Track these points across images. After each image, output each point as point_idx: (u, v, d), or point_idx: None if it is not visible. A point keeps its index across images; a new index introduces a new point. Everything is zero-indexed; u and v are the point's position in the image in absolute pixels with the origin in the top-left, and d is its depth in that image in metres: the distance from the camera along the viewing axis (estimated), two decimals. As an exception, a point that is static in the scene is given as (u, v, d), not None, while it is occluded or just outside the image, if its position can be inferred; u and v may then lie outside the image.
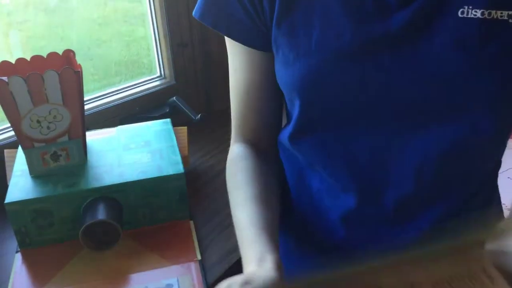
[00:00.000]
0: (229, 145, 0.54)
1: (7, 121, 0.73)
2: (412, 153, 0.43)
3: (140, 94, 0.88)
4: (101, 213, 0.57)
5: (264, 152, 0.53)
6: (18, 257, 0.60)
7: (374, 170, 0.45)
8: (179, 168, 0.63)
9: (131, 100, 0.86)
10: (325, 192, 0.49)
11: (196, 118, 0.80)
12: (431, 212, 0.45)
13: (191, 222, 0.65)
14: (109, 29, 0.94)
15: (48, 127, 0.61)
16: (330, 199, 0.48)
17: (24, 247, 0.61)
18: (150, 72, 0.94)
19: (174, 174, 0.62)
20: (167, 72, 0.92)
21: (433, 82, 0.40)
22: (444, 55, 0.39)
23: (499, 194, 0.54)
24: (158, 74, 0.93)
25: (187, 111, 0.81)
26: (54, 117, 0.60)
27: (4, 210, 0.60)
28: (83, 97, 0.62)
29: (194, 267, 0.57)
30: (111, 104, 0.84)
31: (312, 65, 0.42)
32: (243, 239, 0.45)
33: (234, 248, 0.61)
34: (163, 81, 0.92)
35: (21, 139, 0.60)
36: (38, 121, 0.60)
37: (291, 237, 0.54)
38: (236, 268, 0.59)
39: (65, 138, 0.62)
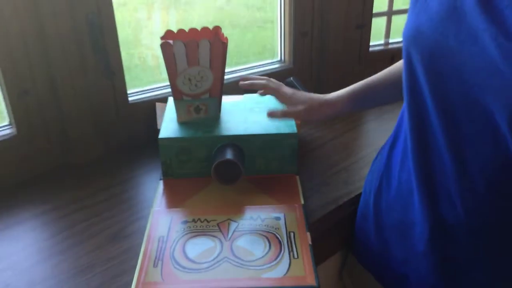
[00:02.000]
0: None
1: (158, 83, 0.92)
2: None
3: (261, 73, 1.02)
4: (229, 155, 0.72)
5: None
6: (161, 184, 0.77)
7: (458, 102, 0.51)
8: (293, 129, 0.76)
9: (254, 77, 1.01)
10: None
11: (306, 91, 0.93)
12: None
13: (297, 177, 0.78)
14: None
15: (195, 85, 0.77)
16: None
17: (167, 176, 0.78)
18: (272, 56, 1.08)
19: (288, 133, 0.75)
20: (286, 57, 1.06)
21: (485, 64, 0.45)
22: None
23: None
24: (279, 58, 1.07)
25: (302, 90, 0.94)
26: (201, 77, 0.77)
27: (154, 148, 0.77)
28: (225, 65, 0.77)
29: (298, 208, 0.70)
30: (238, 78, 0.99)
31: (416, 22, 0.51)
32: None
33: (332, 201, 0.72)
34: (282, 64, 1.06)
35: (174, 92, 0.77)
36: (189, 79, 0.76)
37: None
38: (333, 214, 0.71)
39: (207, 95, 0.78)
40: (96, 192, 0.76)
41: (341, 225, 0.74)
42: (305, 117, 0.73)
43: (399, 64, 0.71)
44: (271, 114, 0.75)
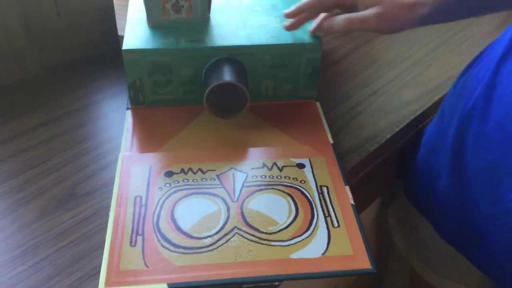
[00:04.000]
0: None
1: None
2: None
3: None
4: (228, 75, 0.52)
5: None
6: (129, 115, 0.56)
7: None
8: (316, 38, 0.55)
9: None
10: None
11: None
12: None
13: (318, 104, 0.59)
14: None
15: (174, -31, 0.54)
16: None
17: (137, 104, 0.56)
18: None
19: (310, 43, 0.55)
20: None
21: None
22: None
23: None
24: None
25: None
26: (182, -43, 0.53)
27: (115, 62, 0.55)
28: None
29: (327, 150, 0.52)
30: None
31: None
32: None
33: (371, 137, 0.54)
34: None
35: (143, -20, 0.54)
36: (164, -40, 0.53)
37: None
38: (373, 157, 0.53)
39: (190, -15, 0.55)
40: (34, 129, 0.55)
41: (384, 166, 0.57)
42: (376, 25, 0.48)
43: None
44: (317, 28, 0.52)
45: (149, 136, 0.53)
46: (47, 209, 0.45)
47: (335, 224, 0.44)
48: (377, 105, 0.59)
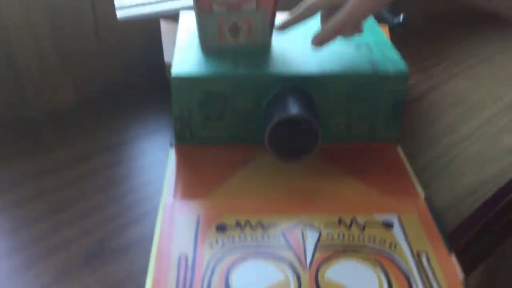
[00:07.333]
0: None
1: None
2: None
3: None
4: (296, 108, 0.43)
5: None
6: (173, 153, 0.48)
7: None
8: (401, 67, 0.47)
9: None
10: None
11: (397, 20, 0.63)
12: None
13: (399, 148, 0.50)
14: None
15: (234, -14, 0.47)
16: None
17: (183, 141, 0.49)
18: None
19: (395, 72, 0.46)
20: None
21: None
22: None
23: None
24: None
25: (384, 9, 0.65)
26: (245, -28, 0.47)
27: (159, 95, 0.48)
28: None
29: (419, 205, 0.42)
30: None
31: None
32: None
33: (472, 191, 0.44)
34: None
35: (198, 0, 0.47)
36: (224, -26, 0.46)
37: None
38: (478, 215, 0.43)
39: (253, 5, 0.48)
40: (61, 167, 0.47)
41: (493, 225, 0.46)
42: (360, 12, 0.43)
43: None
44: (318, 41, 0.46)
45: (197, 178, 0.45)
46: (69, 266, 0.37)
47: (444, 307, 0.34)
48: (472, 152, 0.50)
